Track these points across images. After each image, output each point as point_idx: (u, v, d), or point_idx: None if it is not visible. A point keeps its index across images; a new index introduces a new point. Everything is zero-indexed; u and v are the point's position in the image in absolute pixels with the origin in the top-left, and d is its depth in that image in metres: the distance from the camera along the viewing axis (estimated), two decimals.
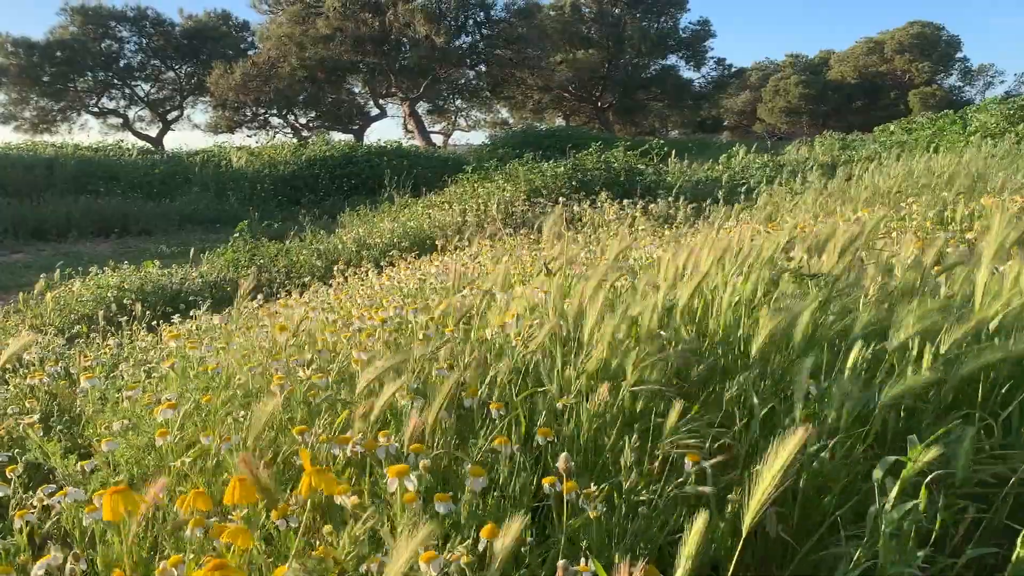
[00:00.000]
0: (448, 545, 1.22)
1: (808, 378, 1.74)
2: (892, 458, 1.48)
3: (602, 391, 1.71)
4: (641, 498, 1.51)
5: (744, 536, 1.13)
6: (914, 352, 1.87)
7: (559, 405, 1.73)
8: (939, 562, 1.51)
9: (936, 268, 2.41)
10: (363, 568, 1.22)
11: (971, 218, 4.75)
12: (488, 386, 1.89)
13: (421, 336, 2.36)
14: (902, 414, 1.87)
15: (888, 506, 1.42)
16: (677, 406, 1.64)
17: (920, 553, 1.42)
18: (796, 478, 1.67)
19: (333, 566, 1.21)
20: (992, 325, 1.94)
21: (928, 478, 1.44)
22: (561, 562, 1.15)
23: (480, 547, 1.18)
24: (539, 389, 1.88)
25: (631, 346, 1.89)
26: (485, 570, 1.10)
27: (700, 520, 1.05)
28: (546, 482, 1.37)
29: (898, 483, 1.43)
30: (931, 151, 12.11)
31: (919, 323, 1.81)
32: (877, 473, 1.48)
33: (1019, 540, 1.40)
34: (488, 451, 1.59)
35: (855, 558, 1.44)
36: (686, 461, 1.55)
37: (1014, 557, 1.40)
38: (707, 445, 1.67)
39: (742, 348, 2.09)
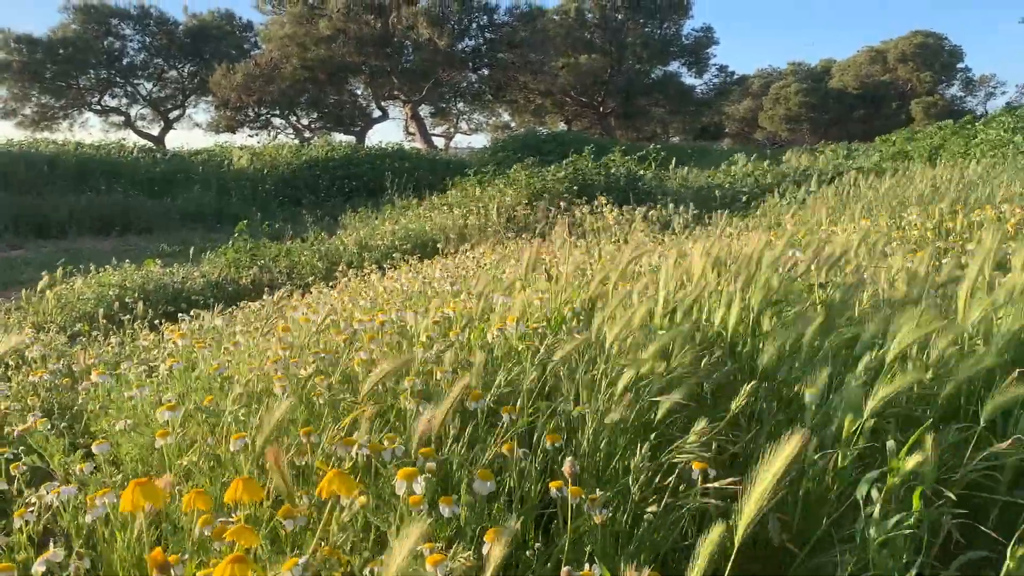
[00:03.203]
0: (452, 550, 1.23)
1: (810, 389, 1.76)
2: (876, 472, 1.50)
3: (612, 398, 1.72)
4: (650, 509, 1.52)
5: (737, 545, 1.14)
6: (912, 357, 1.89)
7: (574, 413, 1.73)
8: (932, 569, 1.52)
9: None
10: (367, 571, 1.23)
11: (971, 229, 4.77)
12: (495, 390, 1.89)
13: (424, 339, 2.37)
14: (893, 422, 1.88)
15: (875, 515, 1.43)
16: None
17: (912, 561, 1.43)
18: (797, 486, 1.69)
19: (338, 565, 1.22)
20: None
21: (917, 487, 1.46)
22: (565, 569, 1.15)
23: (484, 551, 1.19)
24: (553, 400, 1.88)
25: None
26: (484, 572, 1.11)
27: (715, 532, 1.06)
28: (553, 486, 1.38)
29: (882, 494, 1.44)
30: (933, 163, 12.14)
31: (914, 332, 1.84)
32: (862, 489, 1.50)
33: (1008, 552, 1.40)
34: (496, 456, 1.59)
35: (847, 566, 1.45)
36: (693, 468, 1.56)
37: (1003, 571, 1.40)
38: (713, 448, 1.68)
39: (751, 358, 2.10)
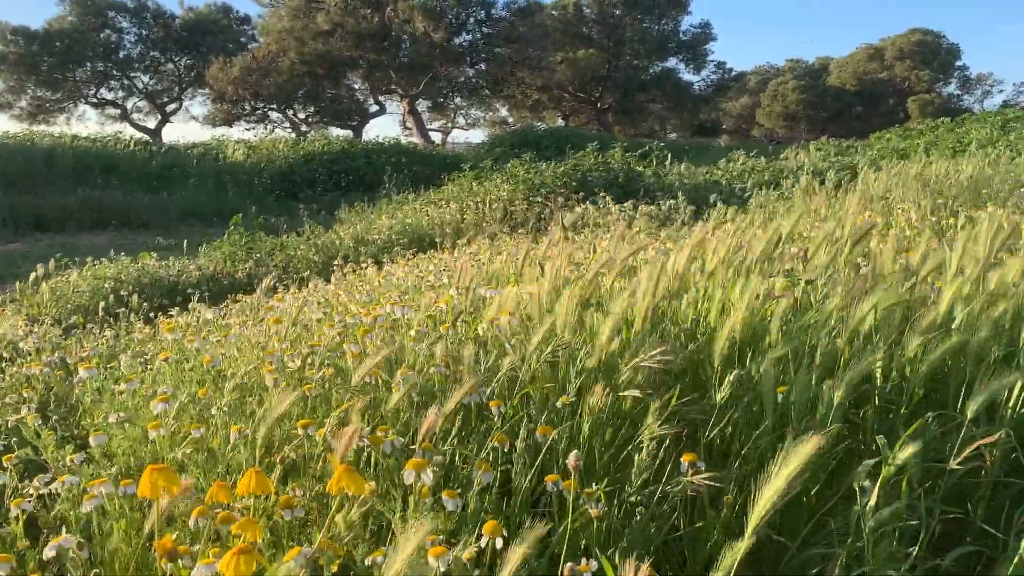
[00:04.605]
0: (458, 542, 1.23)
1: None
2: (872, 461, 1.50)
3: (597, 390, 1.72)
4: (639, 499, 1.52)
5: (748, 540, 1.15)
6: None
7: (559, 403, 1.74)
8: (924, 561, 1.52)
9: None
10: (368, 560, 1.23)
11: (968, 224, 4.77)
12: (490, 384, 1.89)
13: (413, 334, 2.36)
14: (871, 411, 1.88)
15: (870, 506, 1.43)
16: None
17: (907, 552, 1.44)
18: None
19: (336, 557, 1.22)
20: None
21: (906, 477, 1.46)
22: (568, 565, 1.16)
23: (482, 542, 1.20)
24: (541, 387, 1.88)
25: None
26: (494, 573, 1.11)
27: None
28: (549, 480, 1.38)
29: (878, 484, 1.44)
30: (927, 159, 12.15)
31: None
32: (860, 479, 1.50)
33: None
34: (489, 449, 1.60)
35: (841, 560, 1.45)
36: (682, 461, 1.56)
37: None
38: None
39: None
